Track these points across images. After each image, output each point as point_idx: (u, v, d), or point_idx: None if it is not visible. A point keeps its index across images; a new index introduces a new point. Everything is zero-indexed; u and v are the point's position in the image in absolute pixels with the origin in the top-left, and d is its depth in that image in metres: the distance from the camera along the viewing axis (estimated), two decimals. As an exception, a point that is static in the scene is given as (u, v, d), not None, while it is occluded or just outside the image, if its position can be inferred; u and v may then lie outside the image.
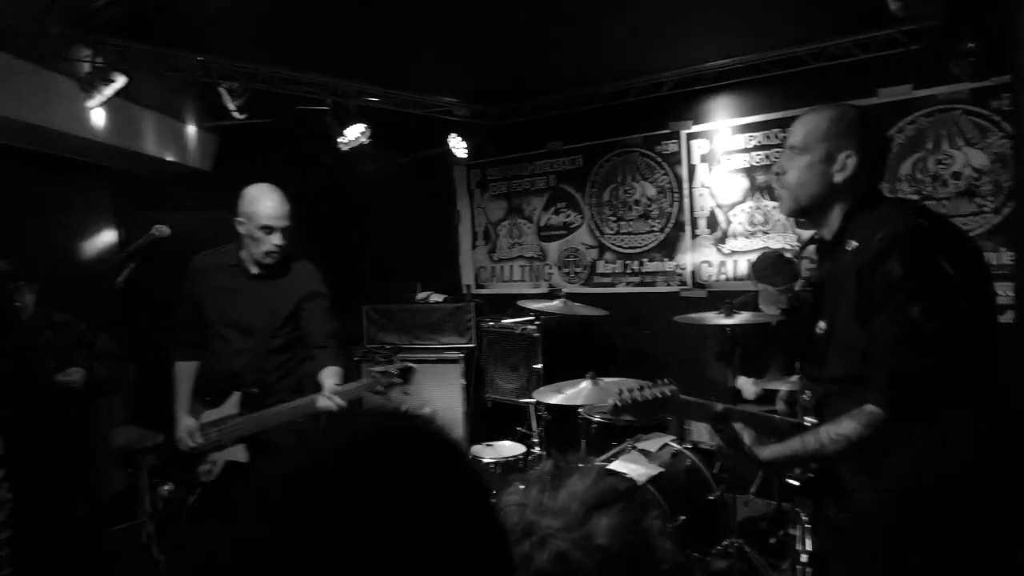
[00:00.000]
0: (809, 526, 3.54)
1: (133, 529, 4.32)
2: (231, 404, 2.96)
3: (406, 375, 2.80)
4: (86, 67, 3.41)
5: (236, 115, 3.78)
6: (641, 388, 1.90)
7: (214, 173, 5.68)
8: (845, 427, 1.61)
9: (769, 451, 1.75)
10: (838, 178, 1.76)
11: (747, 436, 1.83)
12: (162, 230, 3.08)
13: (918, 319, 1.53)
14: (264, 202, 2.88)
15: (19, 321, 3.57)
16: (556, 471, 1.07)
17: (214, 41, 3.65)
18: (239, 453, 2.91)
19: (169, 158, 5.09)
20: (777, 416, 2.06)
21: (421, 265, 6.11)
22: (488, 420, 5.36)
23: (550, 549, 0.93)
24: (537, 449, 4.62)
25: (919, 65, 4.00)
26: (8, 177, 4.47)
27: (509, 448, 5.06)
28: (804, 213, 1.86)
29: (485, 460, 4.85)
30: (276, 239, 2.87)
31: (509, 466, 4.87)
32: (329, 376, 2.84)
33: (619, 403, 1.90)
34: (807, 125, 1.83)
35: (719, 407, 1.86)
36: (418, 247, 6.20)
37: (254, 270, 2.99)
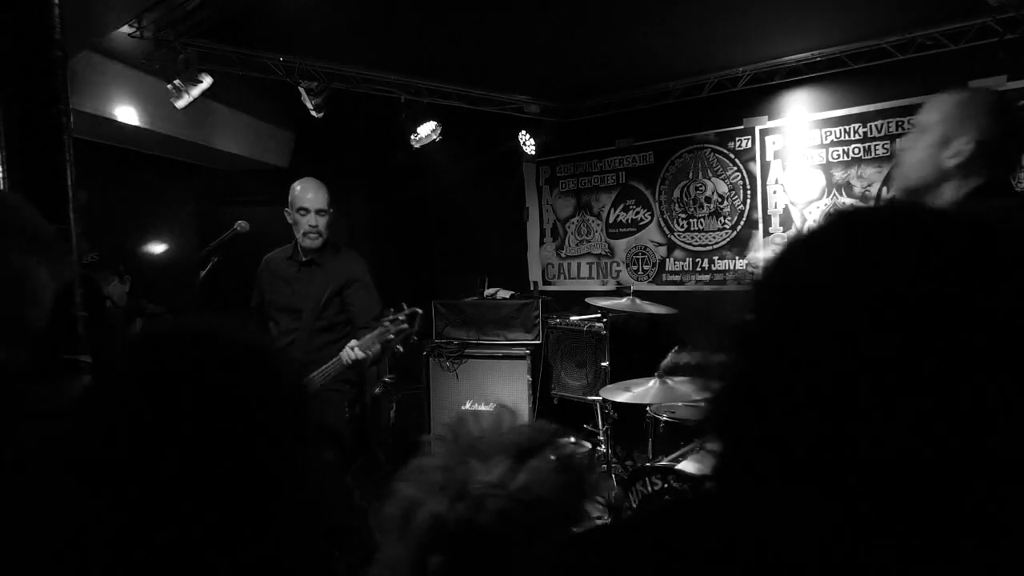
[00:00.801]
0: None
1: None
2: None
3: (412, 320, 3.01)
4: (175, 68, 3.57)
5: (314, 114, 3.89)
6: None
7: (290, 169, 5.86)
8: None
9: None
10: (949, 163, 1.70)
11: None
12: (243, 226, 3.26)
13: None
14: (302, 188, 3.21)
15: (106, 311, 3.78)
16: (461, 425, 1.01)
17: (294, 41, 3.77)
18: None
19: (249, 155, 5.27)
20: None
21: (489, 262, 6.15)
22: (554, 417, 5.36)
23: (489, 508, 0.88)
24: (603, 447, 4.60)
25: (1015, 55, 3.79)
26: (100, 174, 4.72)
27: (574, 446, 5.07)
28: (912, 194, 1.80)
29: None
30: (311, 219, 3.16)
31: (574, 463, 4.87)
32: (354, 340, 3.06)
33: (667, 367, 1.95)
34: (932, 105, 1.79)
35: None
36: (487, 244, 6.25)
37: (304, 258, 3.26)
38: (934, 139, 1.72)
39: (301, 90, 3.82)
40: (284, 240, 3.41)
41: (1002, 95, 1.79)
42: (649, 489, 3.31)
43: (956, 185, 1.71)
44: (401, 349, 3.05)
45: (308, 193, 3.21)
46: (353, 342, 3.01)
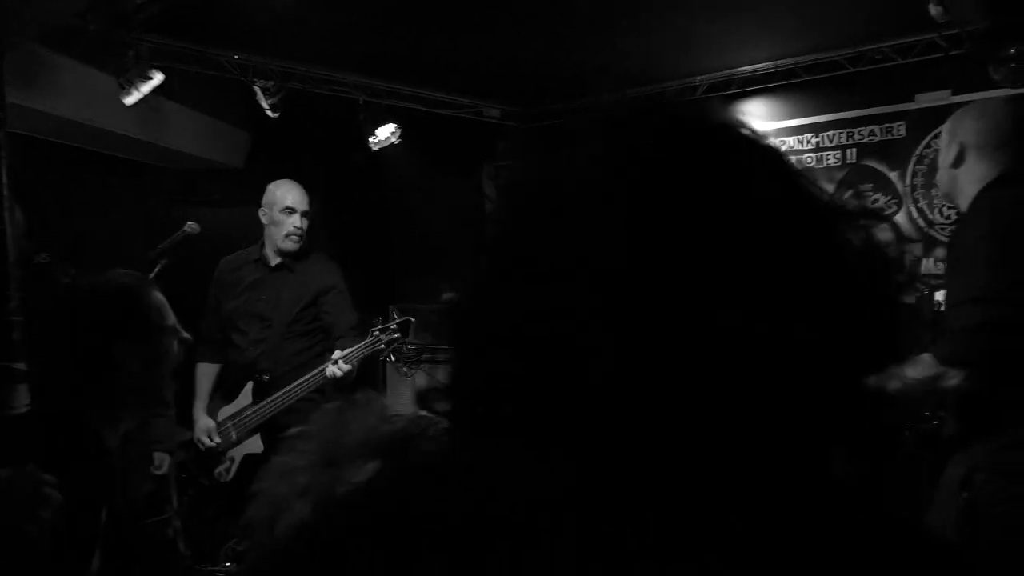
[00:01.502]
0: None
1: (158, 524, 4.37)
2: (245, 395, 3.03)
3: (404, 328, 2.90)
4: (124, 64, 3.47)
5: (270, 113, 3.82)
6: None
7: (245, 170, 5.74)
8: (907, 371, 1.73)
9: None
10: (949, 168, 1.93)
11: None
12: (193, 227, 3.14)
13: None
14: (286, 187, 3.08)
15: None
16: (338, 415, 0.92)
17: (250, 39, 3.69)
18: (255, 444, 2.97)
19: (202, 155, 5.15)
20: None
21: (450, 267, 6.09)
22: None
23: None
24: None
25: (958, 71, 3.92)
26: (46, 172, 4.55)
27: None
28: (947, 199, 2.12)
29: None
30: (296, 220, 3.02)
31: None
32: (338, 350, 2.92)
33: None
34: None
35: None
36: (448, 247, 6.21)
37: (274, 262, 3.10)
38: (942, 151, 1.99)
39: (256, 89, 3.75)
40: (238, 242, 3.29)
41: (990, 100, 1.97)
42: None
43: (973, 180, 1.86)
44: (393, 359, 2.94)
45: (295, 193, 3.08)
46: (338, 354, 2.84)
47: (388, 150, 4.84)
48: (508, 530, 0.37)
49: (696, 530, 0.37)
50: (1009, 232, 1.68)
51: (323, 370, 2.81)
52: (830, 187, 4.37)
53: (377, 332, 2.86)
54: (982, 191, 1.80)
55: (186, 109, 4.97)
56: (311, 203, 3.11)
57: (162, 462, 3.56)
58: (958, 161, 1.87)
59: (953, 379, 1.66)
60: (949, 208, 3.85)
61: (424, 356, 5.37)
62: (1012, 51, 3.58)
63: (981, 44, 3.65)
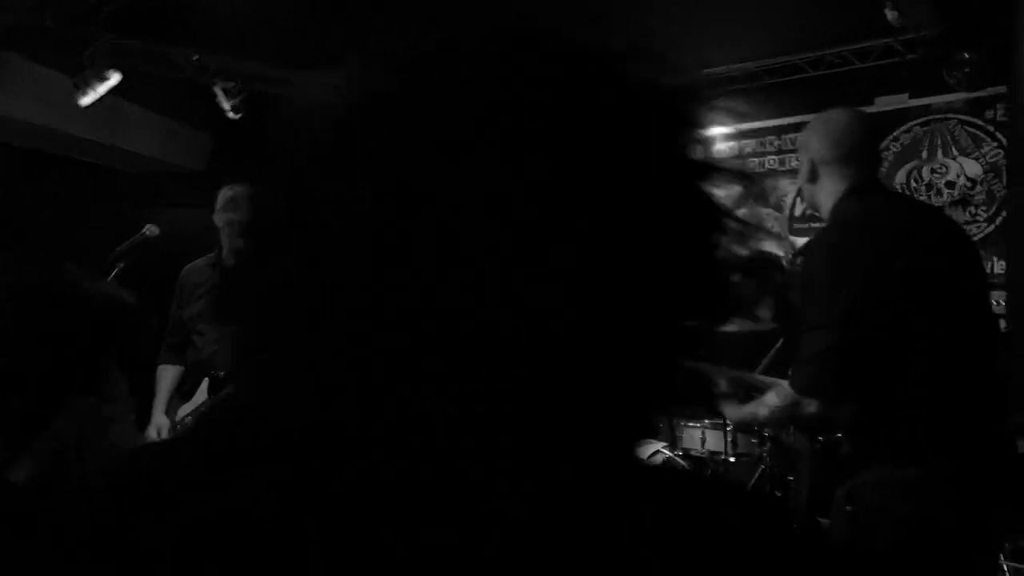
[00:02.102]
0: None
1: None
2: (201, 392, 3.05)
3: None
4: (80, 63, 3.38)
5: (231, 115, 3.76)
6: None
7: (207, 173, 5.65)
8: (770, 397, 1.81)
9: (732, 412, 2.03)
10: (803, 182, 1.91)
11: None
12: (152, 230, 3.11)
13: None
14: (234, 192, 3.01)
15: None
16: None
17: (212, 39, 3.62)
18: None
19: (163, 157, 5.06)
20: (756, 377, 2.30)
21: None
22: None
23: None
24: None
25: (915, 75, 4.01)
26: (3, 174, 4.43)
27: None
28: (813, 208, 2.01)
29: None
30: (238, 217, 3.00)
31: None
32: None
33: None
34: None
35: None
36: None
37: (231, 262, 3.09)
38: (800, 166, 1.96)
39: (217, 90, 3.68)
40: (202, 245, 3.24)
41: (832, 115, 1.94)
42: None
43: (827, 194, 1.85)
44: None
45: (235, 194, 3.04)
46: None
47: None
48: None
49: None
50: (848, 252, 1.67)
51: None
52: (794, 189, 4.41)
53: None
54: (834, 205, 1.81)
55: (145, 111, 4.88)
56: None
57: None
58: (812, 176, 1.86)
59: (810, 406, 1.68)
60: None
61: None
62: (965, 56, 3.68)
63: (935, 49, 3.74)
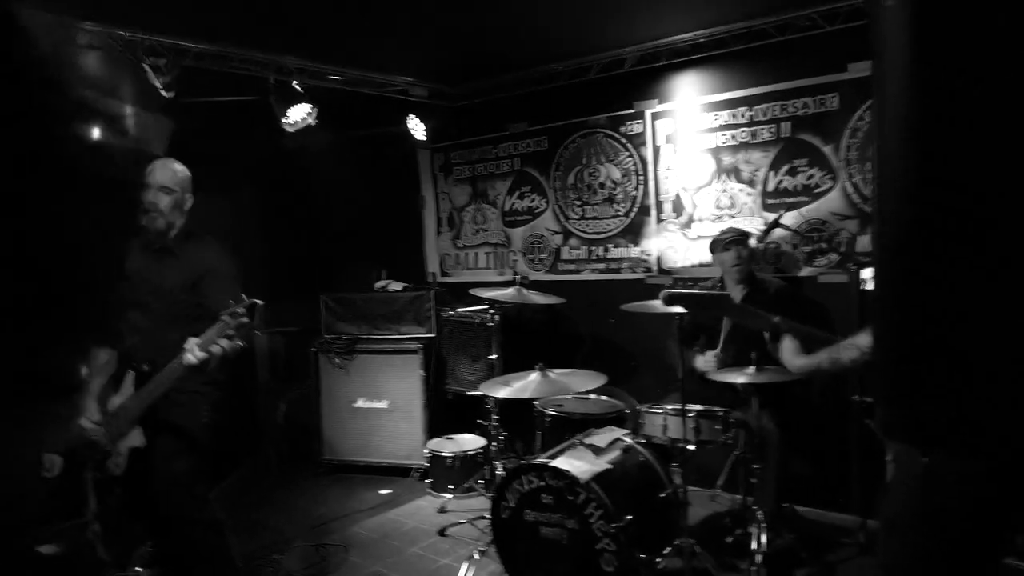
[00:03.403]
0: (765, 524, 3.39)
1: (77, 528, 4.15)
2: (127, 386, 2.92)
3: (251, 312, 2.74)
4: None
5: (164, 93, 3.57)
6: (693, 285, 2.15)
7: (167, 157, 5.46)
8: (861, 339, 1.74)
9: (799, 361, 1.95)
10: None
11: (790, 344, 1.99)
12: None
13: None
14: (154, 165, 3.00)
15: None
16: None
17: (142, 14, 3.43)
18: (136, 438, 2.87)
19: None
20: (817, 331, 2.14)
21: (385, 253, 5.91)
22: (449, 412, 5.18)
23: None
24: (495, 444, 4.44)
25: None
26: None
27: (470, 441, 4.89)
28: None
29: (444, 454, 4.69)
30: (150, 195, 2.90)
31: (469, 460, 4.71)
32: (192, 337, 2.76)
33: (670, 294, 2.12)
34: None
35: (775, 318, 2.03)
36: (383, 234, 6.00)
37: (156, 245, 2.97)
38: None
39: (146, 67, 3.50)
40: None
41: None
42: (525, 487, 3.17)
43: None
44: (243, 344, 2.77)
45: (155, 169, 2.96)
46: (192, 341, 2.70)
47: (310, 132, 4.60)
48: None
49: None
50: None
51: (180, 358, 2.65)
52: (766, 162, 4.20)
53: (227, 316, 2.70)
54: None
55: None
56: (182, 182, 2.99)
57: (51, 464, 3.40)
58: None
59: None
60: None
61: (356, 347, 5.19)
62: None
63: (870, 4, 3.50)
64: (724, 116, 4.48)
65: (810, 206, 4.19)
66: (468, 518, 4.19)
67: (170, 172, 2.97)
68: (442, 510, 4.44)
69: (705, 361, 3.75)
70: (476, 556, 3.48)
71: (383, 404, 5.14)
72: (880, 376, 1.44)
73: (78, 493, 4.38)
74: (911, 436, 1.38)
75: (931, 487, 1.35)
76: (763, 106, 4.33)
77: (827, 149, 4.13)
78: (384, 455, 5.11)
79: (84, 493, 4.39)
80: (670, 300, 2.14)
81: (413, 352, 5.07)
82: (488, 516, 3.33)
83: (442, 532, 4.08)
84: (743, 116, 4.40)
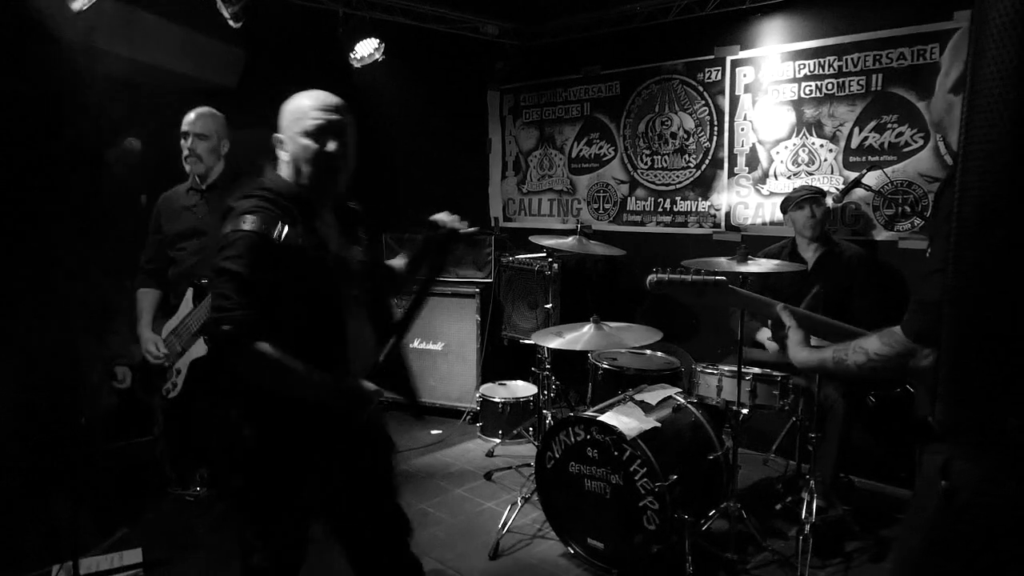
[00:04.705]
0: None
1: (145, 445, 4.35)
2: (186, 303, 3.11)
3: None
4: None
5: (232, 23, 3.57)
6: (683, 272, 1.93)
7: (239, 91, 5.50)
8: (870, 342, 1.59)
9: (802, 354, 1.80)
10: (948, 92, 1.60)
11: (793, 336, 1.85)
12: (133, 143, 3.09)
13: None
14: (188, 113, 3.17)
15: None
16: None
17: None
18: (200, 348, 3.03)
19: (186, 72, 4.91)
20: (834, 322, 1.95)
21: (450, 195, 5.86)
22: (504, 358, 5.18)
23: None
24: (546, 392, 4.41)
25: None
26: None
27: (522, 388, 4.90)
28: (938, 128, 1.73)
29: (496, 400, 4.71)
30: (189, 143, 3.11)
31: (519, 407, 4.72)
32: None
33: (657, 279, 1.90)
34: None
35: (779, 305, 1.89)
36: (448, 176, 5.95)
37: (203, 186, 3.19)
38: (942, 73, 1.64)
39: (216, -3, 3.48)
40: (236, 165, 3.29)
41: None
42: (572, 440, 3.14)
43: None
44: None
45: (191, 116, 3.15)
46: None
47: (377, 69, 4.54)
48: None
49: None
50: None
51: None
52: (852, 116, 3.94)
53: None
54: None
55: (163, 21, 4.70)
56: (218, 129, 3.18)
57: (124, 376, 3.59)
58: (958, 87, 1.53)
59: (926, 358, 1.43)
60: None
61: (413, 288, 5.20)
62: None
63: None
64: (810, 66, 4.20)
65: (896, 166, 3.92)
66: (515, 464, 4.21)
67: (206, 121, 3.14)
68: (490, 454, 4.48)
69: (769, 341, 3.58)
70: (519, 503, 3.50)
71: (438, 346, 5.18)
72: (949, 371, 1.30)
73: (149, 414, 4.61)
74: (974, 443, 1.27)
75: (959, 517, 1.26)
76: (854, 55, 4.03)
77: (921, 105, 3.83)
78: (437, 396, 5.17)
79: (154, 414, 4.62)
80: (658, 287, 1.77)
81: (470, 296, 5.07)
82: (533, 464, 3.33)
83: (488, 476, 4.12)
84: (831, 66, 4.11)
